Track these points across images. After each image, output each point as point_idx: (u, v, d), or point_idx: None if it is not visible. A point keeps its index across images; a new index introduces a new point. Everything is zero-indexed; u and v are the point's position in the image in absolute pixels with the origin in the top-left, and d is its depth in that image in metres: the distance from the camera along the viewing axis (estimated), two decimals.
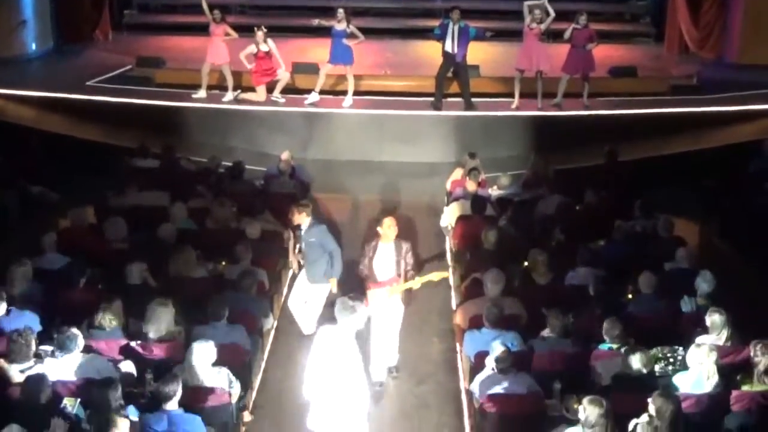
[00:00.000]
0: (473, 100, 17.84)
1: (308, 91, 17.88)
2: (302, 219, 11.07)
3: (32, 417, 7.60)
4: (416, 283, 10.19)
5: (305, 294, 11.24)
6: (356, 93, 18.24)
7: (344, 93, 17.98)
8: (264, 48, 17.45)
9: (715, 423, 8.19)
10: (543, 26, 17.27)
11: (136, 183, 13.59)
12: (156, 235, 11.62)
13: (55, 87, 18.43)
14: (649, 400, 7.80)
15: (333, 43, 17.51)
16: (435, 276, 10.36)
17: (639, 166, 15.74)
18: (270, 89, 17.94)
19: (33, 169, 15.14)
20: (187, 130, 17.89)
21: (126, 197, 13.27)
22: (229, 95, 17.95)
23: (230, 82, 17.94)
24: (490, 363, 8.67)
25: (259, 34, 17.41)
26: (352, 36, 17.42)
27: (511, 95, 17.89)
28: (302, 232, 11.17)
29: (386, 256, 10.21)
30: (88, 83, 18.89)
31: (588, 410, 7.59)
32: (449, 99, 18.11)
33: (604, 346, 9.07)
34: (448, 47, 17.27)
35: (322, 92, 17.98)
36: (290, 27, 17.22)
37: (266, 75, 17.79)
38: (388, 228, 10.23)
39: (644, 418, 7.77)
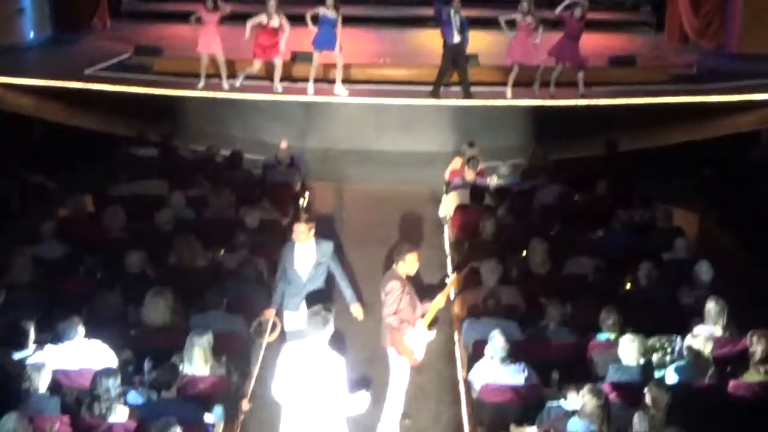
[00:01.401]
0: (472, 89, 17.81)
1: (307, 80, 17.81)
2: (307, 237, 9.87)
3: (32, 405, 7.63)
4: (441, 301, 9.08)
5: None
6: (355, 81, 18.26)
7: (344, 82, 17.94)
8: (274, 23, 17.13)
9: (712, 413, 8.20)
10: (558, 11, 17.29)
11: (135, 172, 13.59)
12: (154, 223, 11.63)
13: (53, 75, 18.40)
14: (645, 390, 7.83)
15: (321, 29, 17.26)
16: (450, 282, 9.61)
17: (638, 155, 15.74)
18: (270, 76, 17.91)
19: (31, 158, 15.13)
20: (186, 119, 17.88)
21: (124, 186, 13.26)
22: (224, 84, 17.89)
23: (224, 72, 17.87)
24: (488, 352, 8.68)
25: (271, 4, 16.99)
26: (338, 24, 17.27)
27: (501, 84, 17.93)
28: (293, 254, 9.83)
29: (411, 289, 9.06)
30: (86, 71, 18.87)
31: (586, 399, 7.61)
32: (449, 88, 18.08)
33: (601, 336, 9.08)
34: (452, 38, 17.21)
35: (321, 81, 17.95)
36: (289, 15, 17.11)
37: (266, 51, 17.47)
38: (413, 264, 9.10)
39: (640, 408, 7.81)
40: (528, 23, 17.22)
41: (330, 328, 7.63)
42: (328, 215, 14.93)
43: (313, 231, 9.80)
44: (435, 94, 17.78)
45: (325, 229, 14.11)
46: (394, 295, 8.85)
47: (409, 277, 9.05)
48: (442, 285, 10.17)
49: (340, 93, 17.72)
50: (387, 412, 9.21)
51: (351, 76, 18.45)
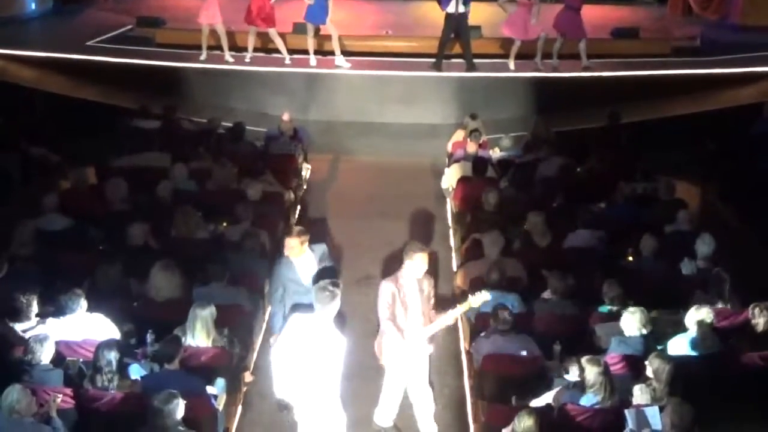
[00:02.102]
0: (474, 61, 17.76)
1: (308, 52, 17.76)
2: (301, 250, 9.10)
3: (35, 377, 7.67)
4: (450, 319, 8.41)
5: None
6: (357, 54, 18.18)
7: (347, 54, 17.89)
8: None
9: (714, 385, 8.22)
10: None
11: (137, 144, 13.58)
12: (156, 195, 11.64)
13: (55, 47, 18.34)
14: (647, 362, 7.85)
15: (314, 2, 17.04)
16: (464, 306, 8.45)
17: (640, 128, 15.72)
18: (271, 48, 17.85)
19: (34, 130, 15.12)
20: (188, 91, 17.84)
21: (127, 158, 13.25)
22: (227, 56, 17.84)
23: (225, 43, 17.82)
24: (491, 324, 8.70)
25: None
26: None
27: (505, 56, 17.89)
28: (292, 271, 9.06)
29: (411, 294, 8.36)
30: (88, 43, 18.82)
31: (586, 370, 7.64)
32: (451, 60, 18.04)
33: (603, 309, 9.10)
34: (452, 8, 17.14)
35: (323, 53, 17.90)
36: None
37: (259, 17, 17.33)
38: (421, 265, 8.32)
39: (642, 379, 7.84)
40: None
41: (336, 304, 7.57)
42: (331, 187, 14.94)
43: (306, 242, 9.11)
44: (437, 66, 17.72)
45: (327, 202, 14.20)
46: (383, 300, 8.30)
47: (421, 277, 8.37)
48: (453, 300, 9.88)
49: (342, 65, 17.66)
50: (381, 402, 8.95)
51: (353, 48, 18.38)
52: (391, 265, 11.53)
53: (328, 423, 7.88)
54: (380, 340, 8.56)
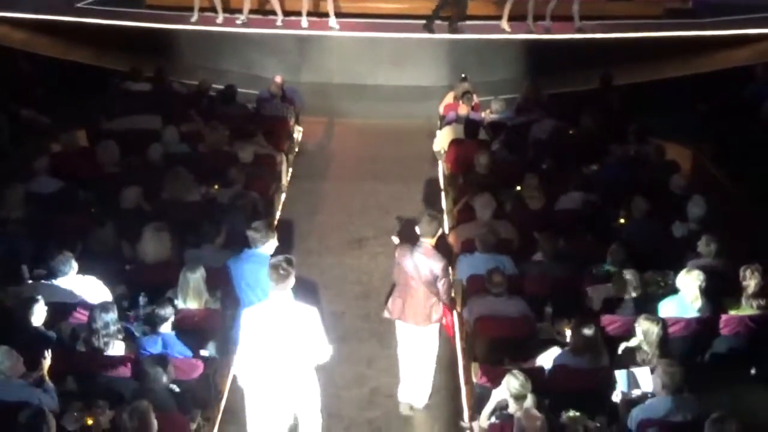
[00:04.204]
0: (465, 23, 17.70)
1: (299, 14, 17.68)
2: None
3: (27, 340, 7.67)
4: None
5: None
6: (348, 15, 18.09)
7: (339, 15, 17.80)
8: None
9: (704, 346, 8.27)
10: None
11: (128, 106, 13.52)
12: (147, 158, 11.61)
13: (45, 9, 18.19)
14: (636, 324, 7.89)
15: None
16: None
17: (633, 90, 15.68)
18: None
19: (23, 92, 15.03)
20: (179, 53, 17.75)
21: (118, 121, 13.20)
22: (220, 17, 17.74)
23: (218, 3, 17.71)
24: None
25: None
26: None
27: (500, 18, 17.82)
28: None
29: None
30: (78, 5, 18.69)
31: (576, 332, 7.68)
32: (444, 22, 17.95)
33: (602, 269, 9.11)
34: None
35: (317, 15, 17.82)
36: None
37: None
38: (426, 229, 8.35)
39: (632, 341, 7.88)
40: None
41: (291, 280, 7.42)
42: (323, 150, 14.92)
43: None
44: (428, 28, 17.63)
45: (319, 164, 14.19)
46: (396, 265, 8.57)
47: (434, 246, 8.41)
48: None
49: (334, 26, 17.59)
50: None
51: (345, 9, 18.28)
52: (384, 228, 11.61)
53: (305, 407, 7.79)
54: (392, 299, 8.62)
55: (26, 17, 17.95)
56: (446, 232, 10.73)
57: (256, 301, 8.01)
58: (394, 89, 17.37)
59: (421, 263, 8.29)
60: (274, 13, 17.73)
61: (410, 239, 8.63)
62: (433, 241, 8.37)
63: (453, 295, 8.82)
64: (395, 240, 8.94)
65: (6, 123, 13.79)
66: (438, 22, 17.75)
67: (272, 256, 8.27)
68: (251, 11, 17.88)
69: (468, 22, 17.74)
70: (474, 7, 18.25)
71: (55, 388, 7.33)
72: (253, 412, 7.75)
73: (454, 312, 9.03)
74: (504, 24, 17.64)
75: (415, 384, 8.84)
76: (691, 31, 17.77)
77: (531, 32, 17.62)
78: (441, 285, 8.35)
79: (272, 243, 8.64)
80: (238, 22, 17.68)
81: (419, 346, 8.64)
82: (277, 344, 7.32)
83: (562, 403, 7.36)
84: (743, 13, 18.38)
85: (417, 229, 8.40)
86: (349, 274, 10.61)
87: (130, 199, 10.26)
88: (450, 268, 9.14)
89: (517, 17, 17.72)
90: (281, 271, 7.32)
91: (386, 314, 8.67)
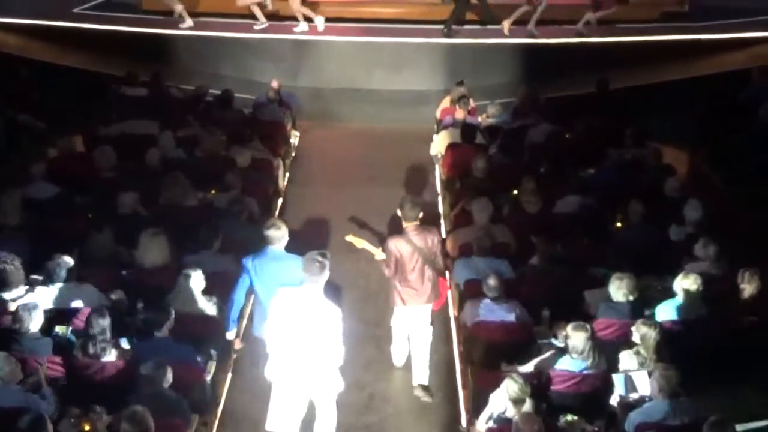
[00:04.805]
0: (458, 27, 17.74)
1: (296, 18, 17.70)
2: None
3: (24, 345, 7.66)
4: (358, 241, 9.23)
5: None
6: (345, 20, 18.11)
7: (335, 20, 17.83)
8: None
9: (701, 350, 8.27)
10: None
11: (125, 111, 13.52)
12: (144, 163, 11.61)
13: (42, 14, 18.21)
14: (633, 328, 7.90)
15: None
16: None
17: (629, 93, 15.70)
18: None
19: (20, 97, 15.02)
20: (176, 58, 17.76)
21: (114, 126, 13.19)
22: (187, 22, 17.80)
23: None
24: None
25: None
26: None
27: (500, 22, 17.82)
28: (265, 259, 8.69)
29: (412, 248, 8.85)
30: (74, 10, 18.68)
31: (573, 336, 7.68)
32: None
33: (599, 273, 9.12)
34: None
35: (308, 19, 17.83)
36: None
37: None
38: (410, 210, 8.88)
39: (629, 346, 7.89)
40: None
41: (326, 275, 7.60)
42: (319, 154, 14.91)
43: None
44: (448, 34, 17.60)
45: (316, 169, 14.18)
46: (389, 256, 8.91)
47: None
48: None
49: (303, 29, 17.63)
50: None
51: (342, 14, 18.29)
52: (380, 232, 11.61)
53: (322, 397, 7.95)
54: (397, 291, 8.98)
55: (23, 22, 17.94)
56: (443, 236, 10.76)
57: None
58: (391, 94, 17.37)
59: (418, 241, 8.77)
60: (275, 17, 17.74)
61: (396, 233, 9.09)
62: (417, 223, 8.87)
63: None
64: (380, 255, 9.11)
65: (2, 128, 13.79)
66: (433, 26, 17.77)
67: None
68: (245, 16, 17.88)
69: (464, 27, 17.74)
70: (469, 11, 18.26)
71: (53, 393, 7.34)
72: (278, 396, 7.95)
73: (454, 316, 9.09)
74: (505, 27, 17.60)
75: (417, 363, 9.17)
76: (687, 35, 17.78)
77: (534, 37, 17.59)
78: (437, 258, 8.96)
79: (286, 240, 8.74)
80: (257, 27, 17.71)
81: (418, 323, 9.06)
82: (300, 331, 7.53)
83: (560, 407, 7.38)
84: (739, 16, 18.39)
85: (399, 213, 8.88)
86: (346, 278, 10.59)
87: (127, 205, 10.25)
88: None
89: (516, 21, 17.75)
90: (318, 264, 7.52)
91: (396, 305, 9.05)
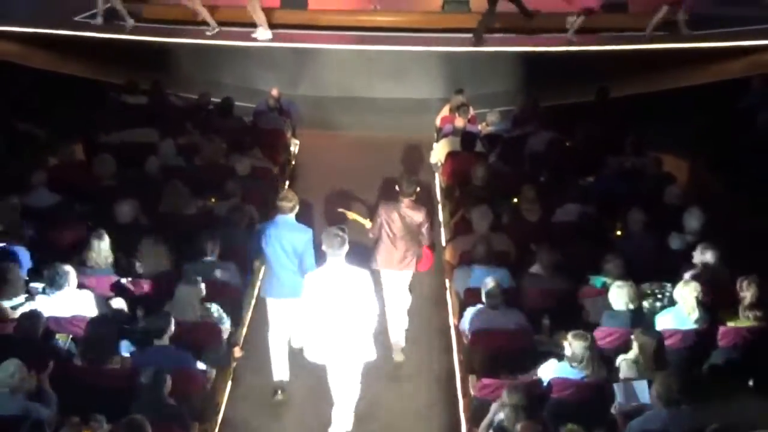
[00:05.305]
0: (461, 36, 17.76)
1: (295, 27, 17.75)
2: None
3: (27, 353, 7.65)
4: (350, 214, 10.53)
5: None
6: (345, 28, 18.14)
7: (329, 28, 17.87)
8: None
9: (702, 358, 8.26)
10: None
11: (125, 120, 13.52)
12: (144, 171, 11.61)
13: (42, 22, 18.23)
14: (632, 336, 7.89)
15: None
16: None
17: (629, 102, 15.72)
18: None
19: (20, 105, 15.02)
20: (176, 66, 17.79)
21: (115, 134, 13.20)
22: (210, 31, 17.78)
23: (207, 17, 17.76)
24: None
25: None
26: None
27: (499, 30, 17.82)
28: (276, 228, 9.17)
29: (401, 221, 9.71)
30: (75, 18, 18.71)
31: (573, 344, 7.67)
32: (447, 35, 17.99)
33: (598, 282, 9.11)
34: None
35: (308, 27, 17.86)
36: None
37: None
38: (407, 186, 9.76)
39: (629, 354, 7.88)
40: None
41: (346, 247, 8.16)
42: (319, 162, 14.91)
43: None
44: (478, 42, 17.66)
45: (315, 177, 14.19)
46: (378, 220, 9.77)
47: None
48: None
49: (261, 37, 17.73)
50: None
51: (342, 22, 18.33)
52: None
53: (353, 366, 8.48)
54: (377, 252, 9.81)
55: (23, 31, 17.95)
56: (443, 244, 10.77)
57: (289, 265, 8.96)
58: (391, 102, 17.39)
59: (407, 214, 9.63)
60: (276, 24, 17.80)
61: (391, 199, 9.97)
62: (412, 198, 9.71)
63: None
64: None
65: (2, 136, 13.77)
66: (434, 35, 17.79)
67: None
68: (245, 25, 17.91)
69: (463, 35, 17.77)
70: (469, 19, 18.28)
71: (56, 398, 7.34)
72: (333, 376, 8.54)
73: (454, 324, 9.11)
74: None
75: (396, 325, 9.92)
76: (686, 44, 17.79)
77: (572, 44, 17.62)
78: (425, 230, 9.75)
79: (296, 210, 9.30)
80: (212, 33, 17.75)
81: (397, 288, 9.85)
82: (339, 303, 8.12)
83: (561, 416, 7.35)
84: (738, 25, 18.40)
85: (397, 188, 9.78)
86: None
87: (127, 213, 10.25)
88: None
89: (515, 30, 17.78)
90: (338, 237, 8.14)
91: (374, 266, 9.63)
